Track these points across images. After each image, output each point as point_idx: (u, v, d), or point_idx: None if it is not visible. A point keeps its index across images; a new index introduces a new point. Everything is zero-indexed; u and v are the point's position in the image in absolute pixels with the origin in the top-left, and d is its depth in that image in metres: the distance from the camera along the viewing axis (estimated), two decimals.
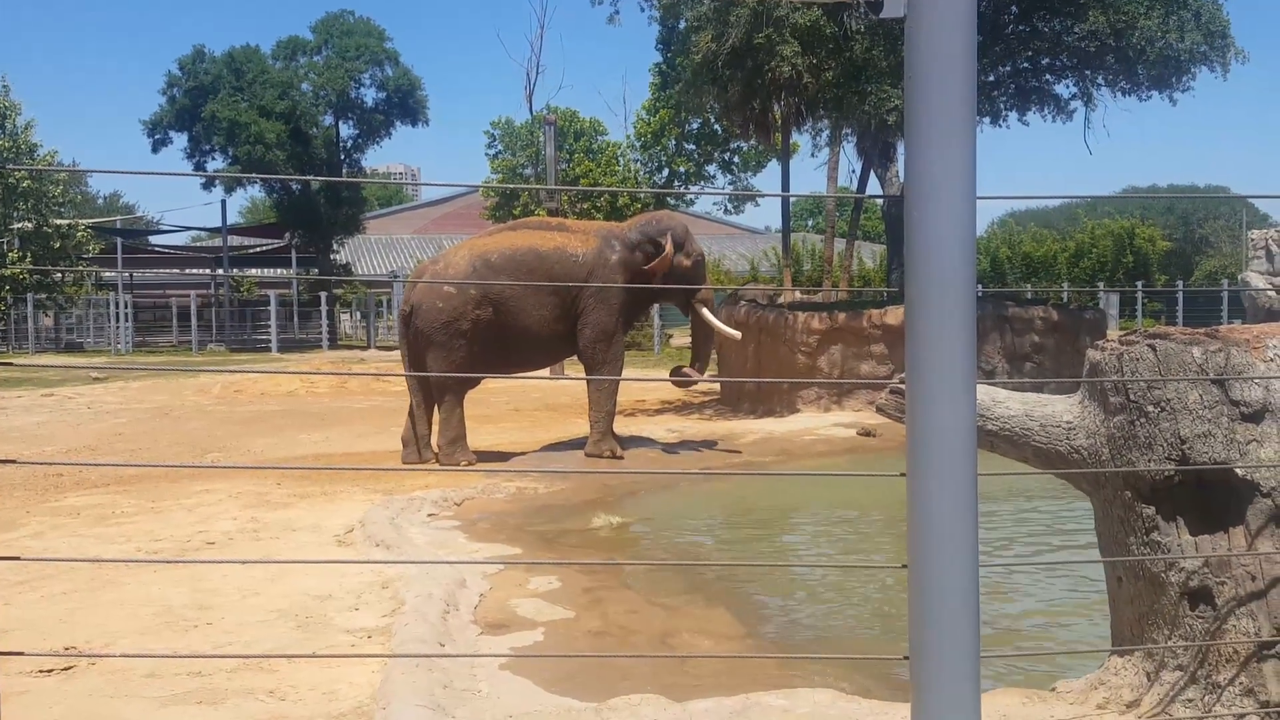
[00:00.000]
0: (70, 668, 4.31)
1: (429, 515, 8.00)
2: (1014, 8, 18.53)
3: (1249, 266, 23.68)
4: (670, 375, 11.77)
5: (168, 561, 5.76)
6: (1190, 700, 3.06)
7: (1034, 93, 19.62)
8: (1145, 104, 19.43)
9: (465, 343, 10.48)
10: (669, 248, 10.77)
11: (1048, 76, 19.56)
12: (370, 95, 41.23)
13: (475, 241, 11.20)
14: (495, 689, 4.08)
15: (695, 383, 11.43)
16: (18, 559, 2.92)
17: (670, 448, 11.51)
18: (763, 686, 3.80)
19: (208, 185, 41.41)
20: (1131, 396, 3.10)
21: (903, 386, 2.84)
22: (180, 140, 39.41)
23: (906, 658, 2.74)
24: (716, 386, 17.27)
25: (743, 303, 16.24)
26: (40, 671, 4.24)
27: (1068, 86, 19.69)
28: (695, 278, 11.08)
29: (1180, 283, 39.59)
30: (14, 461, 2.75)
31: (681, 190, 39.76)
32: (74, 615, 5.15)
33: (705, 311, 11.26)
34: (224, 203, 40.27)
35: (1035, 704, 3.30)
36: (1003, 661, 4.73)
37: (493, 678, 4.23)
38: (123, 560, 6.10)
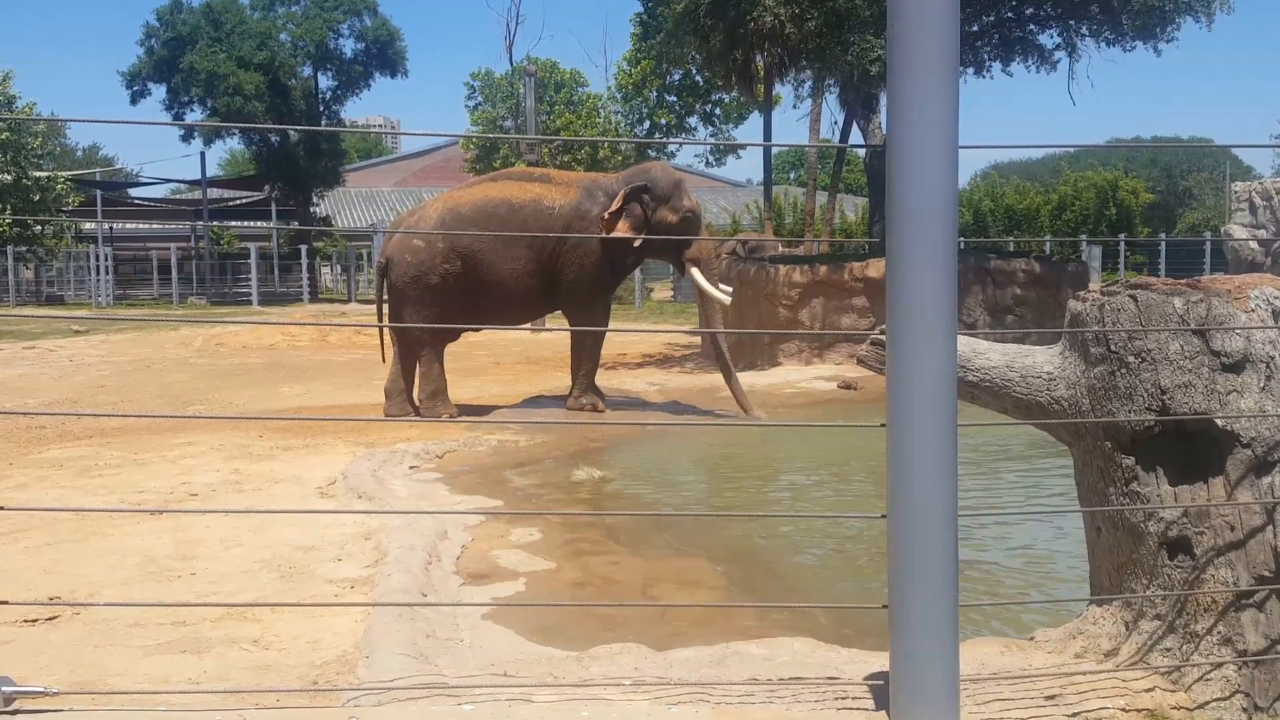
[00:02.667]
0: (55, 617, 4.32)
1: (410, 467, 8.00)
2: None
3: (1232, 218, 23.75)
4: None
5: (151, 511, 5.76)
6: (1168, 649, 3.09)
7: (1018, 43, 19.54)
8: (1129, 55, 19.39)
9: (436, 297, 10.38)
10: (616, 203, 10.32)
11: (1031, 26, 19.48)
12: (349, 46, 40.96)
13: (451, 194, 11.05)
14: (477, 638, 4.11)
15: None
16: (1, 509, 2.91)
17: (652, 401, 11.52)
18: (742, 636, 3.82)
19: (187, 137, 41.16)
20: (1112, 347, 3.11)
21: (884, 338, 2.84)
22: (159, 92, 39.15)
23: (885, 607, 2.77)
24: (697, 340, 17.28)
25: (723, 256, 16.20)
26: (25, 621, 4.25)
27: (1051, 37, 19.62)
28: (685, 234, 10.60)
29: (1163, 235, 39.66)
30: None
31: (663, 140, 39.58)
32: (58, 566, 5.15)
33: (694, 272, 10.72)
34: (203, 155, 39.98)
35: (1014, 653, 3.33)
36: (981, 610, 4.77)
37: (475, 627, 4.25)
38: (106, 510, 6.10)
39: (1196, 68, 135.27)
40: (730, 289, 11.26)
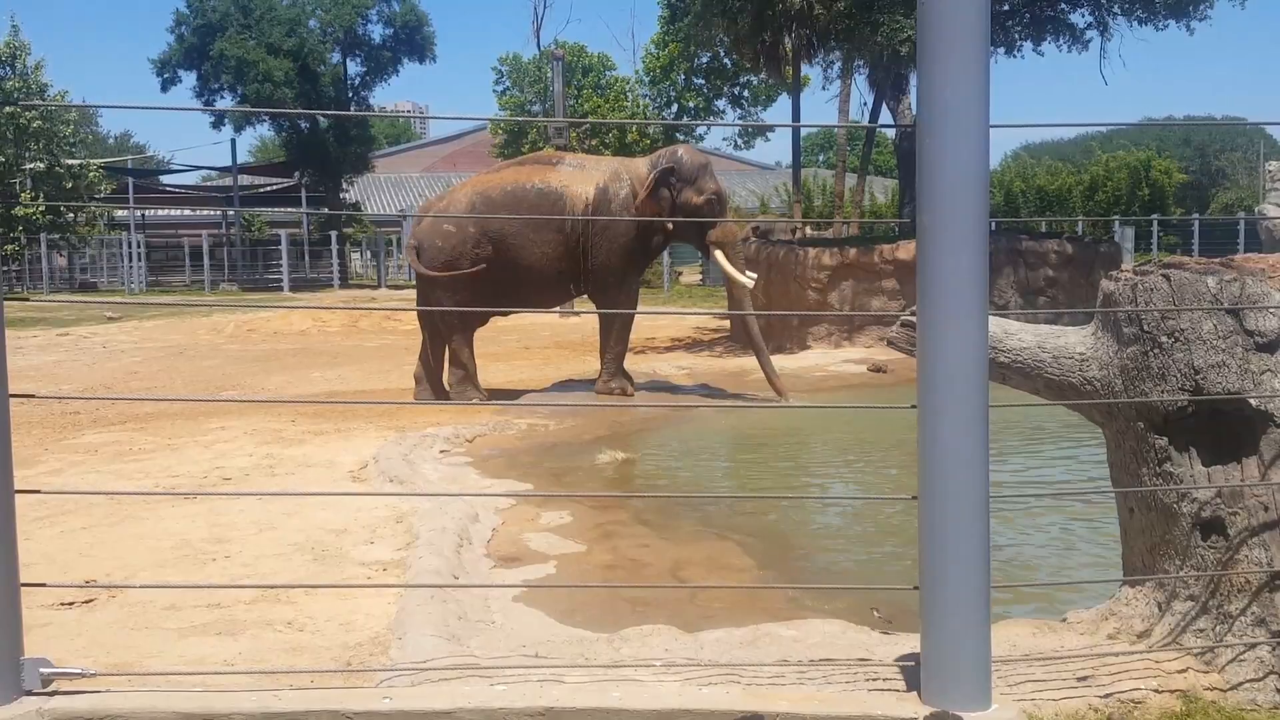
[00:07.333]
0: (91, 600, 4.36)
1: (441, 451, 8.03)
2: None
3: (1266, 198, 23.50)
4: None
5: (185, 495, 5.81)
6: (1201, 630, 3.07)
7: (1049, 22, 19.37)
8: (1162, 33, 19.20)
9: (467, 281, 10.38)
10: (647, 184, 10.30)
11: (1063, 5, 19.30)
12: (377, 32, 41.09)
13: (479, 178, 11.06)
14: (508, 620, 4.12)
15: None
16: (38, 492, 2.95)
17: (680, 385, 11.52)
18: (773, 618, 3.83)
19: (217, 124, 41.31)
20: (1145, 327, 3.09)
21: (914, 319, 2.82)
22: (189, 79, 39.34)
23: (916, 588, 2.76)
24: (726, 323, 17.26)
25: (752, 239, 16.14)
26: (62, 604, 4.29)
27: (1083, 15, 19.44)
28: (709, 216, 10.50)
29: (1196, 215, 39.31)
30: (33, 396, 2.76)
31: (691, 123, 39.46)
32: (94, 549, 5.20)
33: (719, 254, 10.67)
34: (234, 142, 40.15)
35: (1046, 634, 3.32)
36: (1012, 592, 4.75)
37: (506, 609, 4.27)
38: (141, 494, 6.15)
39: (1230, 46, 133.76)
40: (754, 275, 11.09)
